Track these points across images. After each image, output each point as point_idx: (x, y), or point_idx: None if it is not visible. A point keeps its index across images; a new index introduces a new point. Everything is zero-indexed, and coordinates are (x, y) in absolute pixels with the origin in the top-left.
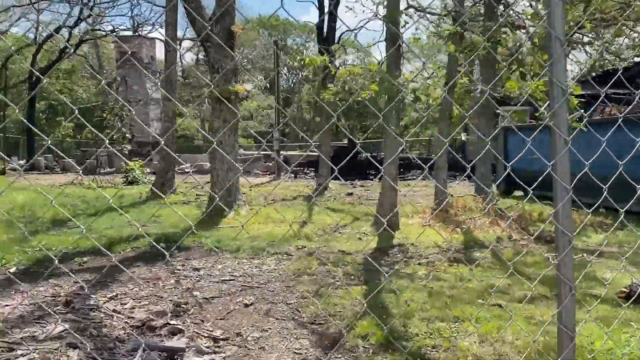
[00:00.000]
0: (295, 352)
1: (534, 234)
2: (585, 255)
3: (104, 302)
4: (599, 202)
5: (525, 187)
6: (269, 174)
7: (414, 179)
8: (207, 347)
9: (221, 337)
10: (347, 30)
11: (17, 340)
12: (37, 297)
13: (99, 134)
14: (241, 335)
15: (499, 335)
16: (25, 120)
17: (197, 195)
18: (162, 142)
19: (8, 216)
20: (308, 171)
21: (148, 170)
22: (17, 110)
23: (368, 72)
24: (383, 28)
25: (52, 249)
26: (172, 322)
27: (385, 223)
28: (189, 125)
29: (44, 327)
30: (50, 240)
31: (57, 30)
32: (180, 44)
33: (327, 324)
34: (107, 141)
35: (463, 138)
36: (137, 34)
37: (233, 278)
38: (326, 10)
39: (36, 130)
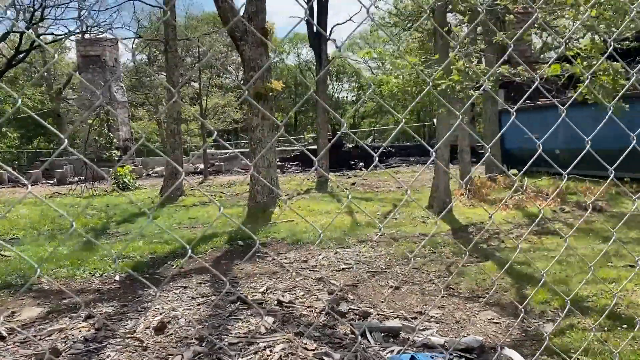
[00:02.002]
0: (491, 322)
1: (584, 205)
2: None
3: (261, 297)
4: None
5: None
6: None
7: (398, 166)
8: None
9: (410, 316)
10: (339, 23)
11: (241, 335)
12: (184, 298)
13: (95, 138)
14: (422, 313)
15: None
16: None
17: (206, 195)
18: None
19: (76, 229)
20: (289, 165)
21: (136, 175)
22: None
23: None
24: (428, 20)
25: (131, 256)
26: (352, 307)
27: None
28: (147, 127)
29: (238, 321)
30: (119, 249)
31: (4, 37)
32: (133, 44)
33: (493, 296)
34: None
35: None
36: (88, 35)
37: (350, 265)
38: (314, 3)
39: None
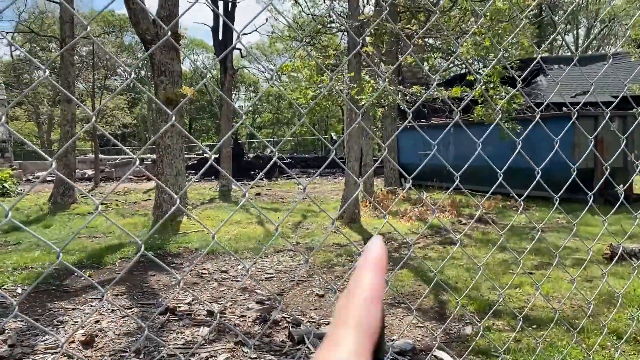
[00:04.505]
0: (416, 326)
1: (476, 218)
2: (534, 231)
3: (188, 308)
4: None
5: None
6: (147, 179)
7: (298, 177)
8: None
9: None
10: (245, 33)
11: (180, 346)
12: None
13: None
14: None
15: (560, 294)
16: None
17: (102, 203)
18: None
19: None
20: (187, 174)
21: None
22: None
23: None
24: (342, 37)
25: (30, 267)
26: (283, 315)
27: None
28: (24, 129)
29: (172, 333)
30: (14, 259)
31: None
32: (12, 38)
33: (414, 302)
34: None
35: (334, 137)
36: None
37: (273, 275)
38: (221, 11)
39: None
